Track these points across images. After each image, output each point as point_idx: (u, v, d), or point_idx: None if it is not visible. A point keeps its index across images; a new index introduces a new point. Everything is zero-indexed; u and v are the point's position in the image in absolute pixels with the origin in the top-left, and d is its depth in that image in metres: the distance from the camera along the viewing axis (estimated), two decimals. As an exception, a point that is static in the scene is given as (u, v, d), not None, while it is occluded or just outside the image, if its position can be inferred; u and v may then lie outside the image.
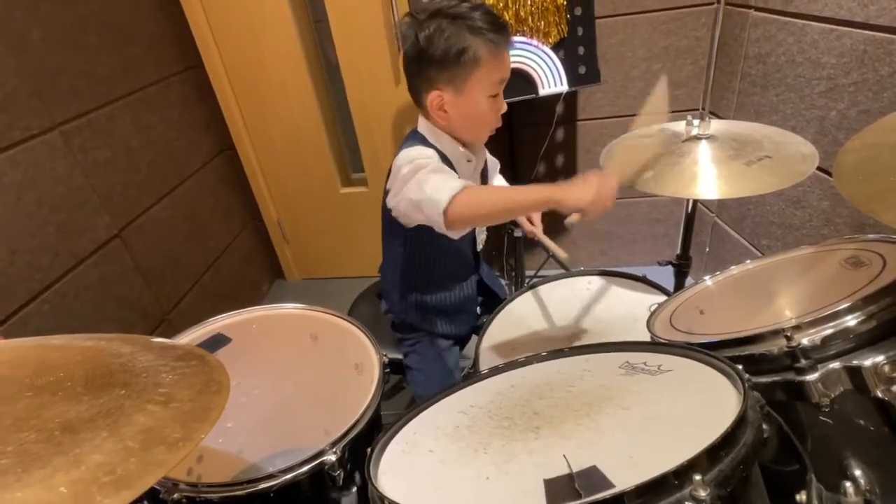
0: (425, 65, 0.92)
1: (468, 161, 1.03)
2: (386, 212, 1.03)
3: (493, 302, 1.25)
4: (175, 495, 0.73)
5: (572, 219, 0.88)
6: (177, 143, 1.84)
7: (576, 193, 0.82)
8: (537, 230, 1.17)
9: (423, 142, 0.99)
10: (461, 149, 1.00)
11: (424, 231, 0.95)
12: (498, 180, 1.26)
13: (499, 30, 0.90)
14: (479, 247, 1.19)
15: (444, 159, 0.98)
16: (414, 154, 0.94)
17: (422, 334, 1.18)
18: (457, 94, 0.93)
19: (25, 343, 0.57)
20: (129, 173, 1.60)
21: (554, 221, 1.05)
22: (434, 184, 0.86)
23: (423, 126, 1.01)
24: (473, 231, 1.14)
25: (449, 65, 0.90)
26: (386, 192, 1.01)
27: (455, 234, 0.91)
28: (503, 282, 1.92)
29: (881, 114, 1.10)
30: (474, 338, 1.20)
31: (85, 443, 0.41)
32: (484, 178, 1.16)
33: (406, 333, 1.20)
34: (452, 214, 0.84)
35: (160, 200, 1.73)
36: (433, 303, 1.14)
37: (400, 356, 1.22)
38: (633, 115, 1.03)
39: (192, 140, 1.93)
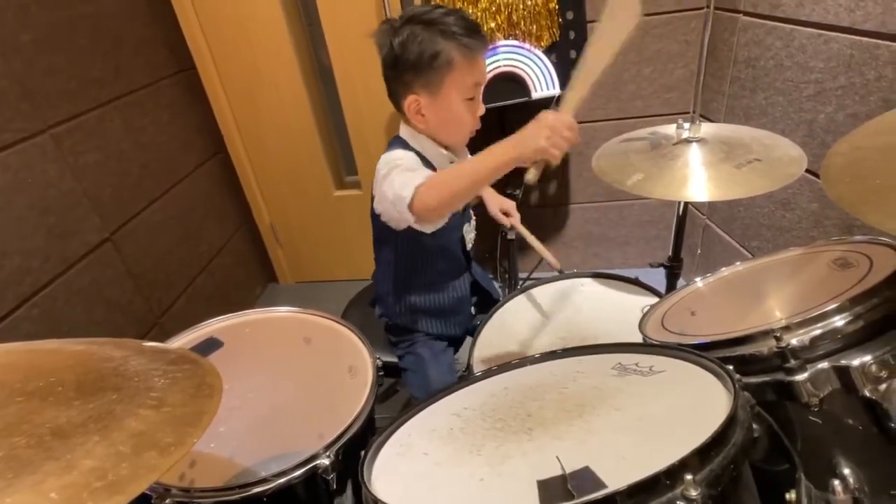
0: (400, 70, 0.93)
1: (451, 163, 1.04)
2: (375, 217, 1.04)
3: (487, 302, 1.26)
4: (167, 501, 0.73)
5: (530, 175, 0.83)
6: (169, 146, 1.83)
7: (531, 142, 0.77)
8: (515, 221, 1.17)
9: (405, 146, 1.00)
10: (443, 151, 1.02)
11: (413, 234, 0.96)
12: None
13: (472, 34, 0.91)
14: (469, 246, 1.19)
15: (426, 162, 0.99)
16: (393, 157, 0.96)
17: (417, 335, 1.19)
18: (432, 98, 0.94)
19: (16, 348, 0.57)
20: (120, 176, 1.59)
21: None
22: (401, 181, 0.87)
23: (404, 131, 1.02)
24: (462, 231, 1.14)
25: (423, 69, 0.91)
26: (373, 198, 1.02)
27: (429, 228, 0.91)
28: (496, 284, 1.93)
29: (868, 117, 1.11)
30: (468, 340, 1.20)
31: (76, 448, 0.41)
32: None
33: (401, 336, 1.20)
34: (417, 206, 0.84)
35: (152, 204, 1.72)
36: (427, 305, 1.15)
37: (394, 359, 1.22)
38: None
39: (185, 143, 1.92)
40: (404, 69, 0.93)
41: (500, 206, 1.28)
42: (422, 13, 0.92)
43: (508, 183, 1.84)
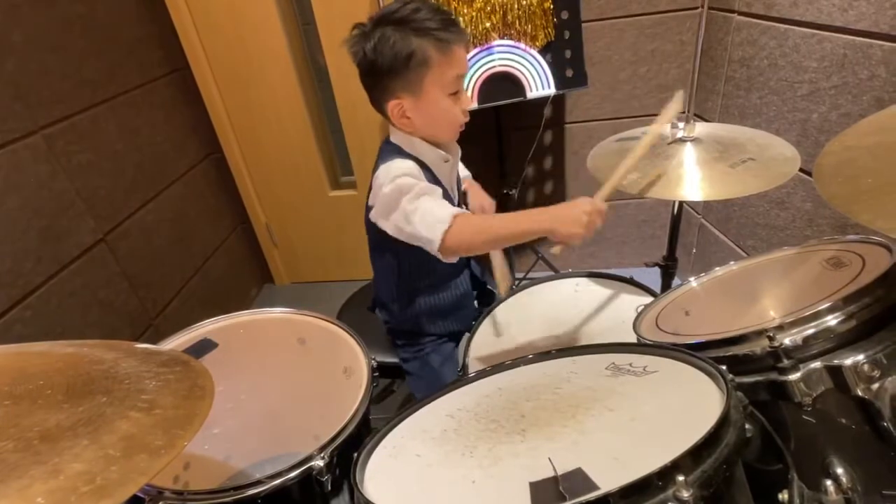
0: (378, 75, 0.91)
1: (445, 161, 1.02)
2: (371, 226, 1.01)
3: (486, 294, 1.26)
4: (160, 503, 0.72)
5: (556, 249, 0.89)
6: (163, 147, 1.82)
7: (569, 224, 0.83)
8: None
9: (400, 153, 0.97)
10: (438, 151, 0.99)
11: None
12: (461, 170, 1.24)
13: (447, 27, 0.88)
14: None
15: (423, 167, 0.97)
16: (394, 170, 0.92)
17: (428, 341, 1.17)
18: (415, 99, 0.92)
19: (4, 350, 0.56)
20: (114, 177, 1.58)
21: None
22: (421, 216, 0.87)
23: (396, 136, 1.00)
24: None
25: (400, 71, 0.88)
26: (369, 208, 1.00)
27: (453, 260, 0.91)
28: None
29: (861, 116, 1.12)
30: (463, 339, 1.20)
31: (64, 451, 0.41)
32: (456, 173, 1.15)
33: (407, 339, 1.19)
34: (448, 249, 0.87)
35: (146, 204, 1.72)
36: (432, 306, 1.14)
37: (390, 360, 1.22)
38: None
39: (179, 143, 1.92)
40: (381, 74, 0.90)
41: (481, 204, 1.23)
42: (391, 13, 0.88)
43: (505, 182, 1.84)
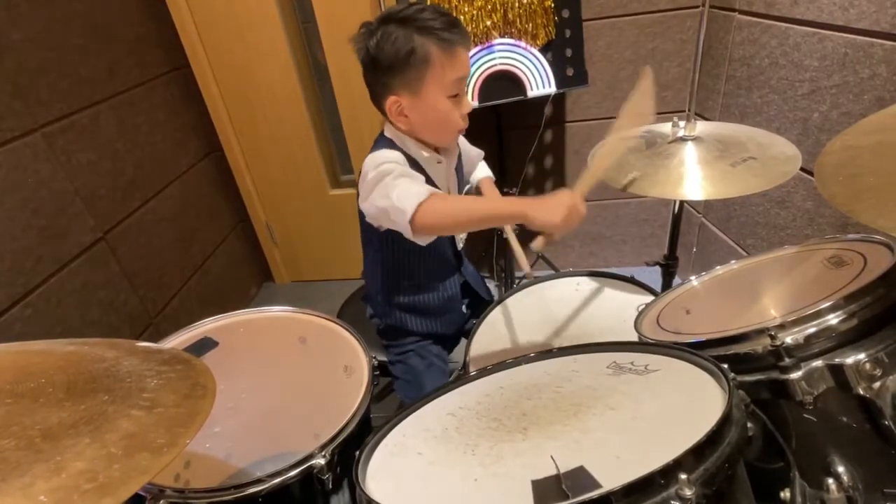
0: (379, 71, 0.91)
1: (438, 163, 1.02)
2: (362, 216, 1.02)
3: (478, 304, 1.25)
4: (161, 502, 0.72)
5: (537, 244, 0.87)
6: (163, 146, 1.82)
7: (546, 214, 0.81)
8: (507, 227, 1.15)
9: (390, 145, 0.98)
10: (426, 153, 0.99)
11: (397, 234, 0.95)
12: (482, 169, 1.25)
13: (450, 28, 0.88)
14: (460, 246, 1.18)
15: (413, 162, 0.97)
16: (380, 158, 0.93)
17: (410, 341, 1.17)
18: (414, 98, 0.92)
19: (5, 349, 0.56)
20: (113, 176, 1.58)
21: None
22: (399, 191, 0.86)
23: (389, 130, 1.00)
24: None
25: (400, 67, 0.89)
26: (359, 195, 1.00)
27: (423, 242, 0.90)
28: (492, 283, 1.93)
29: (862, 115, 1.12)
30: (463, 340, 1.20)
31: (66, 450, 0.41)
32: (460, 175, 1.14)
33: (393, 340, 1.19)
34: (419, 223, 0.84)
35: (146, 203, 1.72)
36: (416, 304, 1.14)
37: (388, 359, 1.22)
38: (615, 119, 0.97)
39: (179, 142, 1.92)
40: (382, 70, 0.90)
41: None
42: (396, 12, 0.89)
43: (505, 181, 1.84)
